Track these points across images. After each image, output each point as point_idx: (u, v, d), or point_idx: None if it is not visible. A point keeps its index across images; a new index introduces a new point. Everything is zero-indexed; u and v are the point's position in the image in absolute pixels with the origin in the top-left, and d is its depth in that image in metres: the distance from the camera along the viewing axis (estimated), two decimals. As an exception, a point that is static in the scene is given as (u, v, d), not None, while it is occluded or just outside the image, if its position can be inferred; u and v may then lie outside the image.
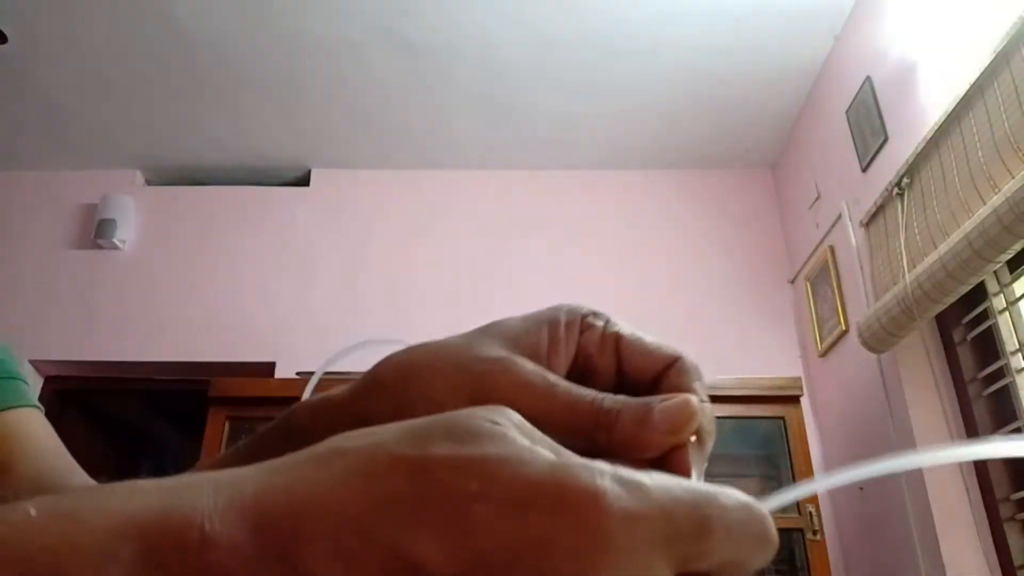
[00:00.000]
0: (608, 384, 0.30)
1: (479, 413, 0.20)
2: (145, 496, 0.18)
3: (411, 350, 0.31)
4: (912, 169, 2.05)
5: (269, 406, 2.36)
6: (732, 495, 0.20)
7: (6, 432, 0.50)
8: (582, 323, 0.31)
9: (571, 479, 0.18)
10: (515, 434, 0.20)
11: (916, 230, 2.02)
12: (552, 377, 0.28)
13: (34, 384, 3.04)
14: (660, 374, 0.29)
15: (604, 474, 0.18)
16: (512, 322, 0.31)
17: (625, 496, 0.18)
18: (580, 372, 0.30)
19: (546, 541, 0.17)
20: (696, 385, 0.29)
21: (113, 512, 0.18)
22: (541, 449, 0.19)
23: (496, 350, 0.29)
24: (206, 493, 0.18)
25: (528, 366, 0.28)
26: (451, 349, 0.30)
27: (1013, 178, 1.60)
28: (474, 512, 0.17)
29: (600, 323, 0.31)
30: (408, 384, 0.29)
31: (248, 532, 0.18)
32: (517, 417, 0.21)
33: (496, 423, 0.20)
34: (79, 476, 0.50)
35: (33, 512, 0.18)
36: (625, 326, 0.31)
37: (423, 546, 0.17)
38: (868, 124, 2.39)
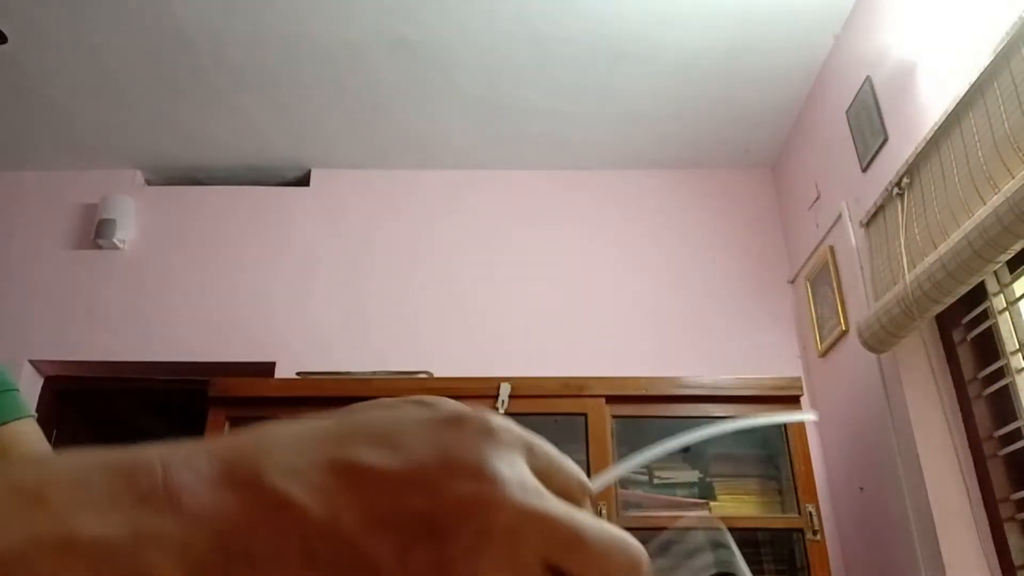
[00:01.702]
0: None
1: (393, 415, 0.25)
2: (103, 452, 0.22)
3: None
4: (912, 169, 2.05)
5: (269, 406, 2.36)
6: (611, 529, 0.24)
7: (3, 446, 0.54)
8: None
9: (466, 410, 0.24)
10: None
11: (916, 230, 2.02)
12: None
13: (34, 384, 3.04)
14: None
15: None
16: None
17: (502, 419, 0.24)
18: None
19: (457, 441, 0.23)
20: None
21: (79, 458, 0.22)
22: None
23: None
24: (157, 450, 0.22)
25: None
26: None
27: (1013, 178, 1.60)
28: (398, 436, 0.23)
29: None
30: None
31: (212, 467, 0.22)
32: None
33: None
34: None
35: (14, 464, 0.21)
36: None
37: (364, 452, 0.22)
38: (868, 124, 2.39)
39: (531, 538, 0.23)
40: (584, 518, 0.24)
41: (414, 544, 0.22)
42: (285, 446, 0.23)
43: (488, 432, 0.24)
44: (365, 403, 0.26)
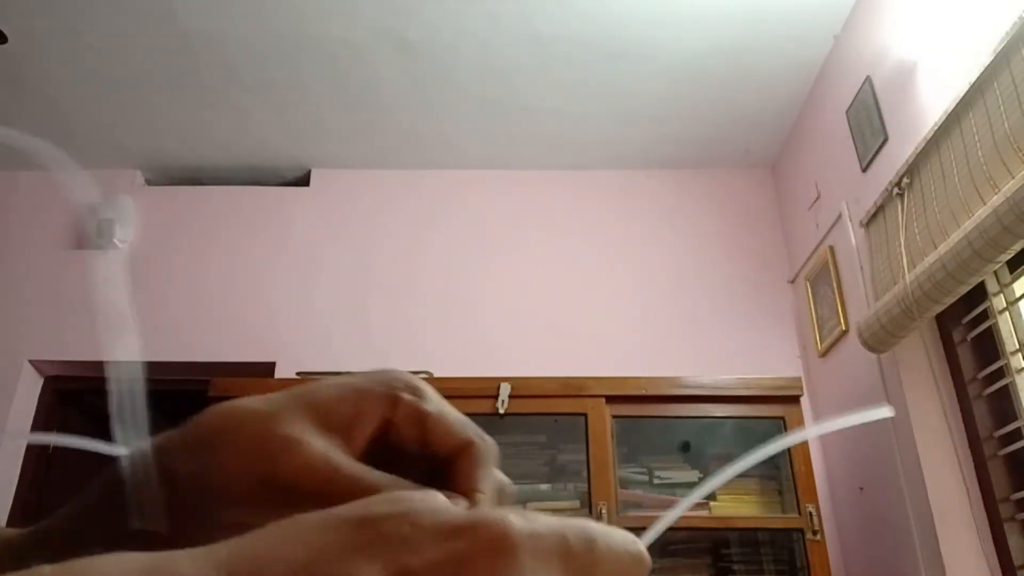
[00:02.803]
0: (415, 453, 0.33)
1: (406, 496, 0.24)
2: (131, 557, 0.22)
3: (216, 412, 0.32)
4: (912, 169, 2.05)
5: (269, 406, 2.36)
6: (601, 525, 0.24)
7: None
8: (394, 398, 0.34)
9: (483, 515, 0.23)
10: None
11: (916, 230, 2.02)
12: (336, 460, 0.31)
13: (34, 384, 3.04)
14: (455, 454, 0.33)
15: (507, 512, 0.23)
16: (324, 390, 0.34)
17: (525, 523, 0.22)
18: (387, 441, 0.33)
19: (468, 557, 0.21)
20: (479, 474, 0.32)
21: (107, 569, 0.22)
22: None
23: (292, 427, 0.31)
24: (184, 554, 0.22)
25: (316, 448, 0.31)
26: (251, 418, 0.32)
27: (1013, 178, 1.60)
28: (408, 543, 0.22)
29: (409, 398, 0.34)
30: (207, 449, 0.31)
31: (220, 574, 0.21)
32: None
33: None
34: None
35: (47, 570, 0.21)
36: (435, 403, 0.34)
37: (365, 571, 0.21)
38: (868, 124, 2.39)
39: None
40: None
41: None
42: (289, 558, 0.22)
43: (506, 548, 0.21)
44: (373, 498, 0.24)
